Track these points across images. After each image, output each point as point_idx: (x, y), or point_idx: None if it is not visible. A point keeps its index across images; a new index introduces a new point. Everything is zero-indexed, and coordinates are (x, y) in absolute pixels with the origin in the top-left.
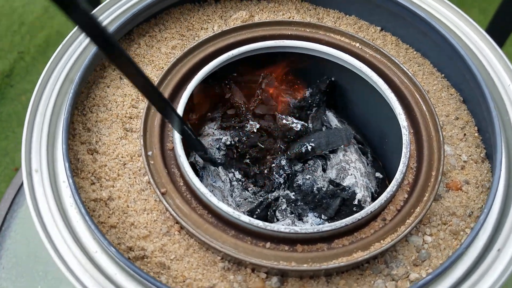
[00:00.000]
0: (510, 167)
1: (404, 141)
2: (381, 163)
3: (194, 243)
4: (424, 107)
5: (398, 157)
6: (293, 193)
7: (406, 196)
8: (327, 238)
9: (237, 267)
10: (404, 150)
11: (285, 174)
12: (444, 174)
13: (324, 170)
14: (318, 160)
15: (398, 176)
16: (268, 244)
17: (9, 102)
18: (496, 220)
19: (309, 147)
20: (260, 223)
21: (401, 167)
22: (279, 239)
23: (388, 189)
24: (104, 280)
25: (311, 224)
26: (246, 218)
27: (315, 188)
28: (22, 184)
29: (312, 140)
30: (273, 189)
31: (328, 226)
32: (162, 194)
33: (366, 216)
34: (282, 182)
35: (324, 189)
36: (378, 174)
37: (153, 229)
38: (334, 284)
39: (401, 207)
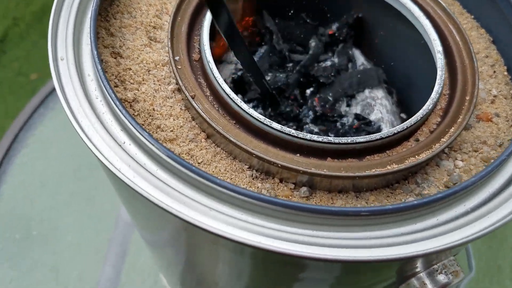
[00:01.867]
0: None
1: (439, 65)
2: (407, 107)
3: (221, 151)
4: (457, 37)
5: (424, 100)
6: (317, 126)
7: (439, 120)
8: (359, 152)
9: (265, 176)
10: (439, 72)
11: (311, 109)
12: (475, 106)
13: (348, 105)
14: (344, 97)
15: (433, 95)
16: (298, 155)
17: (1, 69)
18: None
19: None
20: (292, 131)
21: (437, 88)
22: (309, 150)
23: (424, 107)
24: (136, 166)
25: None
26: (277, 126)
27: (338, 124)
28: (20, 130)
29: (343, 80)
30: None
31: (362, 138)
32: (192, 97)
33: (402, 130)
34: (306, 116)
35: (348, 123)
36: (403, 115)
37: (179, 133)
38: (364, 200)
39: (434, 129)
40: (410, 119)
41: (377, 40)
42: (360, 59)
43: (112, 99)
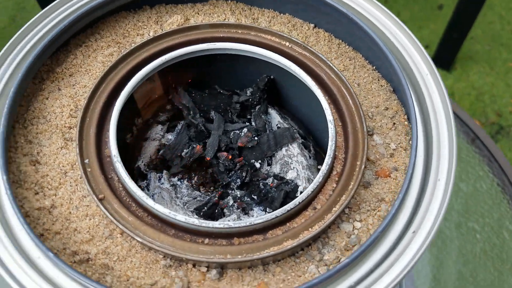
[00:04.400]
0: (428, 152)
1: (330, 135)
2: (324, 155)
3: (136, 244)
4: (350, 101)
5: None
6: (240, 191)
7: (334, 185)
8: (262, 229)
9: (179, 264)
10: (330, 142)
11: (237, 176)
12: (373, 163)
13: (269, 164)
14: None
15: (323, 168)
16: (206, 240)
17: None
18: (414, 204)
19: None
20: (196, 221)
21: (327, 160)
22: (216, 235)
23: (315, 180)
24: (47, 284)
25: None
26: (182, 218)
27: (261, 184)
28: None
29: (262, 144)
30: (223, 190)
31: (259, 219)
32: (100, 200)
33: (295, 206)
34: (230, 182)
35: (269, 184)
36: (320, 166)
37: (95, 233)
38: (271, 272)
39: (330, 196)
40: (302, 194)
41: (290, 97)
42: (277, 118)
43: (19, 218)
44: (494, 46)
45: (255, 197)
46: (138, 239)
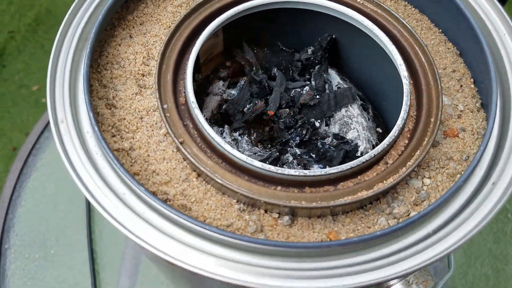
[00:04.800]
0: (504, 113)
1: (405, 90)
2: (382, 119)
3: (211, 188)
4: (423, 58)
5: (397, 112)
6: (299, 149)
7: (406, 142)
8: (334, 180)
9: (252, 208)
10: (405, 98)
11: (294, 133)
12: (442, 123)
13: (327, 124)
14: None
15: (399, 122)
16: (279, 188)
17: (2, 83)
18: (491, 157)
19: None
20: (271, 167)
21: (402, 114)
22: (289, 183)
23: (390, 134)
24: (135, 217)
25: None
26: (259, 164)
27: (319, 143)
28: (29, 155)
29: (323, 103)
30: (282, 147)
31: (334, 169)
32: (181, 143)
33: (370, 159)
34: (288, 140)
35: (328, 142)
36: (379, 129)
37: (173, 175)
38: (340, 222)
39: (402, 152)
40: (377, 147)
41: (352, 59)
42: (336, 78)
43: (109, 157)
44: None
45: (314, 155)
46: (218, 181)
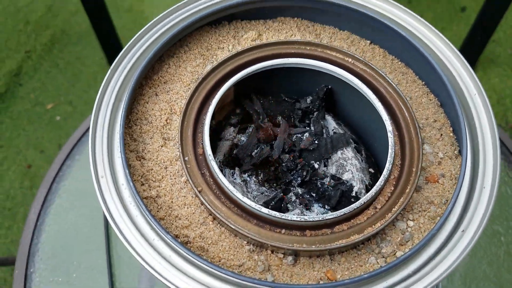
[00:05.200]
0: (475, 162)
1: (390, 143)
2: (374, 160)
3: (225, 230)
4: (406, 114)
5: (387, 154)
6: (300, 188)
7: (392, 188)
8: (330, 224)
9: (260, 249)
10: (390, 150)
11: (298, 176)
12: (424, 169)
13: (325, 165)
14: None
15: (385, 172)
16: (283, 231)
17: (18, 101)
18: (462, 207)
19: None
20: (277, 214)
21: (387, 165)
22: (292, 226)
23: (377, 183)
24: (162, 260)
25: (317, 213)
26: (265, 210)
27: (318, 183)
28: (52, 182)
29: (320, 147)
30: (285, 187)
31: (330, 215)
32: (199, 191)
33: (360, 206)
34: (291, 180)
35: (326, 183)
36: (371, 169)
37: (192, 219)
38: (336, 261)
39: (388, 198)
40: (366, 195)
41: (346, 106)
42: (332, 124)
43: (141, 206)
44: None
45: (314, 194)
46: (232, 226)
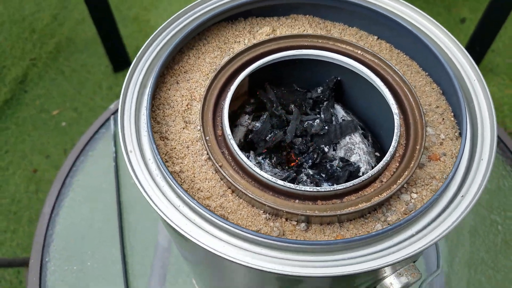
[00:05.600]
0: (473, 139)
1: (396, 124)
2: (379, 145)
3: (243, 201)
4: (411, 99)
5: (392, 139)
6: (311, 170)
7: (397, 164)
8: (340, 195)
9: (275, 217)
10: (395, 130)
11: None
12: (426, 149)
13: (334, 150)
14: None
15: (391, 149)
16: (297, 201)
17: (24, 107)
18: (462, 176)
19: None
20: (291, 185)
21: (393, 143)
22: (304, 197)
23: (384, 158)
24: (188, 222)
25: None
26: (281, 182)
27: (328, 165)
28: (65, 178)
29: (330, 132)
30: (297, 168)
31: (340, 186)
32: (220, 166)
33: (368, 178)
34: (303, 162)
35: (335, 165)
36: (377, 153)
37: (213, 192)
38: (345, 228)
39: (393, 172)
40: (374, 169)
41: (354, 96)
42: (341, 112)
43: (168, 176)
44: None
45: (323, 175)
46: (250, 195)
